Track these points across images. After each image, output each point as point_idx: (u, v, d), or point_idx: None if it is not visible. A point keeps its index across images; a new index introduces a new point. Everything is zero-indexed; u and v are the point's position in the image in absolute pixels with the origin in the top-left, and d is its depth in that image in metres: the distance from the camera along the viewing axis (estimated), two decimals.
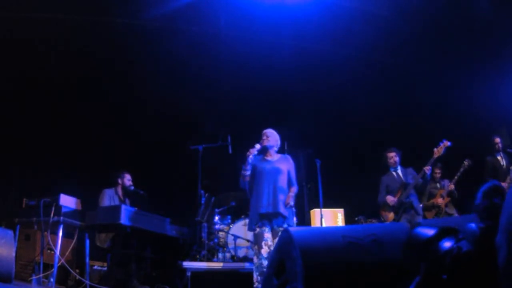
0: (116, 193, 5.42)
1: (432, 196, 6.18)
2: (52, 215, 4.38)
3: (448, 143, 5.14)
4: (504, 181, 5.63)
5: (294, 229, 2.33)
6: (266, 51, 6.45)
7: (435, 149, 5.17)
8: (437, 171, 6.22)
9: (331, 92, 7.15)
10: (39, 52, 6.09)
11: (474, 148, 6.16)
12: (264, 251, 4.18)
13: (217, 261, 5.61)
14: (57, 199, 4.46)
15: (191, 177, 5.97)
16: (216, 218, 6.04)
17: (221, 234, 5.94)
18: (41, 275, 4.54)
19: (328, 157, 6.03)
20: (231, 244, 5.73)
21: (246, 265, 5.32)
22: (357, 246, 1.96)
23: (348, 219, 6.68)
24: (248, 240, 5.65)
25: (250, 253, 5.53)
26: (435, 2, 5.78)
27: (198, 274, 5.15)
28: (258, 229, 4.29)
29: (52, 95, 6.57)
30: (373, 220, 6.17)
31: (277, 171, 4.44)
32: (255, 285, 4.14)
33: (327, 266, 1.90)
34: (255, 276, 4.17)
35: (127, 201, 5.46)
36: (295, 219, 5.53)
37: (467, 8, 5.67)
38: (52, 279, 4.32)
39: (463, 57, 6.37)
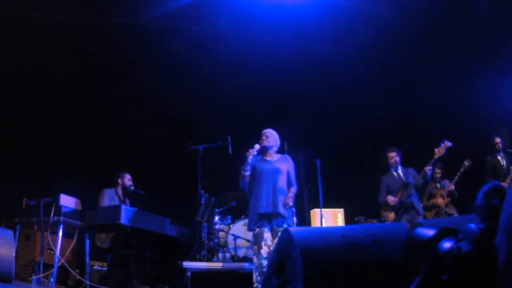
0: (116, 193, 5.42)
1: (432, 196, 6.18)
2: (52, 215, 4.38)
3: (449, 144, 5.14)
4: (504, 181, 5.63)
5: (294, 229, 2.34)
6: (266, 51, 6.45)
7: (436, 149, 5.17)
8: (438, 171, 6.22)
9: (331, 92, 7.15)
10: (39, 52, 6.09)
11: (474, 148, 6.15)
12: (264, 251, 4.18)
13: (217, 261, 5.60)
14: (57, 199, 4.46)
15: (191, 177, 5.97)
16: (216, 218, 6.04)
17: (221, 234, 5.94)
18: (41, 275, 4.54)
19: (328, 157, 6.02)
20: (231, 244, 5.73)
21: (246, 265, 5.32)
22: (357, 246, 1.96)
23: (348, 219, 6.68)
24: (248, 240, 5.65)
25: (250, 253, 5.53)
26: (435, 2, 5.78)
27: (198, 274, 5.15)
28: (257, 229, 4.29)
29: (52, 95, 6.57)
30: (373, 220, 6.17)
31: (277, 171, 4.43)
32: (254, 285, 4.14)
33: (327, 266, 1.90)
34: (255, 276, 4.17)
35: (127, 201, 5.46)
36: (295, 219, 5.55)
37: (467, 8, 5.67)
38: (52, 279, 4.32)
39: (463, 57, 6.37)
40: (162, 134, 7.10)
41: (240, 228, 5.86)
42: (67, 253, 4.80)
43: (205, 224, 5.71)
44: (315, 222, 6.20)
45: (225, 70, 6.66)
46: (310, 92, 7.22)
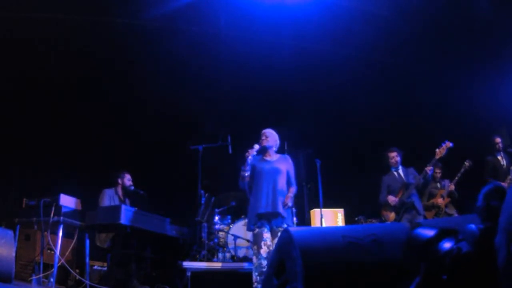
0: (116, 193, 5.42)
1: (432, 196, 6.18)
2: (52, 215, 4.38)
3: (450, 144, 5.14)
4: (504, 181, 5.63)
5: (294, 229, 2.34)
6: (266, 51, 6.45)
7: (437, 150, 5.17)
8: (438, 170, 6.21)
9: (331, 92, 7.15)
10: (39, 52, 6.09)
11: (474, 148, 6.15)
12: (263, 251, 4.18)
13: (217, 261, 5.60)
14: (57, 199, 4.46)
15: (191, 177, 5.97)
16: (216, 218, 6.03)
17: (221, 234, 5.94)
18: (41, 275, 4.54)
19: (328, 157, 6.02)
20: (231, 244, 5.73)
21: (245, 265, 5.32)
22: (357, 246, 1.96)
23: (348, 219, 6.68)
24: (248, 240, 5.65)
25: (250, 253, 5.53)
26: (435, 2, 5.78)
27: (198, 274, 5.15)
28: (257, 229, 4.29)
29: (52, 95, 6.57)
30: (373, 220, 6.17)
31: (276, 171, 4.43)
32: (254, 285, 4.14)
33: (327, 266, 1.91)
34: (254, 276, 4.16)
35: (127, 201, 5.46)
36: (295, 219, 5.56)
37: (467, 8, 5.67)
38: (52, 279, 4.32)
39: (463, 57, 6.37)
40: (162, 134, 7.10)
41: (240, 228, 5.86)
42: (67, 253, 4.80)
43: (205, 224, 5.71)
44: (315, 222, 6.20)
45: (225, 70, 6.66)
46: (310, 92, 7.22)
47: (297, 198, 4.71)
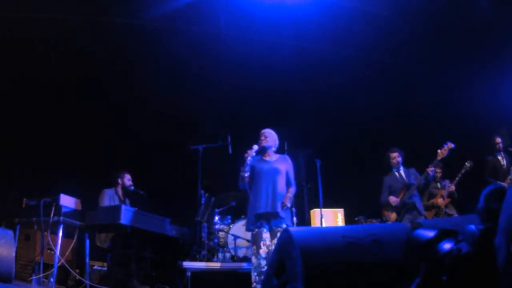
0: (116, 193, 5.42)
1: (432, 196, 6.17)
2: (52, 215, 4.38)
3: (452, 145, 5.13)
4: (504, 181, 5.64)
5: (294, 229, 2.34)
6: (266, 51, 6.45)
7: (439, 151, 5.16)
8: (438, 170, 6.20)
9: (331, 92, 7.15)
10: (39, 52, 6.09)
11: (474, 148, 6.15)
12: (263, 251, 4.17)
13: (217, 261, 5.60)
14: (57, 199, 4.47)
15: (191, 177, 5.97)
16: (216, 218, 6.04)
17: (221, 234, 5.94)
18: (41, 275, 4.54)
19: (328, 157, 6.02)
20: (231, 244, 5.73)
21: (244, 265, 5.32)
22: (357, 246, 1.96)
23: (348, 219, 6.68)
24: (248, 240, 5.65)
25: (250, 253, 5.52)
26: (435, 2, 5.78)
27: (198, 274, 5.15)
28: (256, 230, 4.28)
29: (52, 95, 6.57)
30: (373, 220, 6.17)
31: (276, 171, 4.43)
32: (253, 285, 4.14)
33: (327, 266, 1.91)
34: (253, 276, 4.16)
35: (127, 201, 5.46)
36: (295, 219, 5.55)
37: (467, 8, 5.67)
38: (52, 279, 4.32)
39: (463, 57, 6.37)
40: (162, 134, 7.10)
41: (240, 228, 5.86)
42: (67, 253, 4.80)
43: (205, 224, 5.71)
44: (315, 222, 6.20)
45: (225, 70, 6.66)
46: (310, 92, 7.22)
47: (297, 198, 4.71)
